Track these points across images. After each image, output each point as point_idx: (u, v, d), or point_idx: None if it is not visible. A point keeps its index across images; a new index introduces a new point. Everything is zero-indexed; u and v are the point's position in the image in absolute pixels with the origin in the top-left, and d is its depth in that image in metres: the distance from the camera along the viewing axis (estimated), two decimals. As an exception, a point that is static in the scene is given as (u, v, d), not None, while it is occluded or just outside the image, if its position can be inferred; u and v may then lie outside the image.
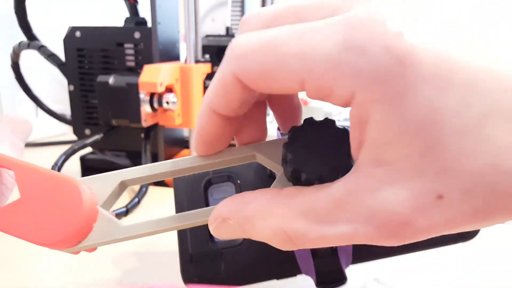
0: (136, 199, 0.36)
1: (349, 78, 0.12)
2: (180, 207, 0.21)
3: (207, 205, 0.21)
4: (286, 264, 0.20)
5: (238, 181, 0.22)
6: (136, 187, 0.40)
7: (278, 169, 0.17)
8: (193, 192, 0.22)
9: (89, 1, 0.68)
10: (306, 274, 0.20)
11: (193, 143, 0.44)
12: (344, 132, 0.15)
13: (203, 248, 0.20)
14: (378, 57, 0.12)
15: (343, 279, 0.19)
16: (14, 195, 0.22)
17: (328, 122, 0.16)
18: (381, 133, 0.12)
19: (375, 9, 0.12)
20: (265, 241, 0.15)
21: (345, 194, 0.13)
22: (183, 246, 0.21)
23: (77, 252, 0.17)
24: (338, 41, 0.12)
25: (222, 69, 0.16)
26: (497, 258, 0.27)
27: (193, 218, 0.17)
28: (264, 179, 0.22)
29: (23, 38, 0.44)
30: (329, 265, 0.19)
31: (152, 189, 0.40)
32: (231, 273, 0.19)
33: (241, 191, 0.19)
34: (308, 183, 0.14)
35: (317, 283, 0.19)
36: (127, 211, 0.34)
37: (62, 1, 0.64)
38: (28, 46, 0.43)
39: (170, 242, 0.29)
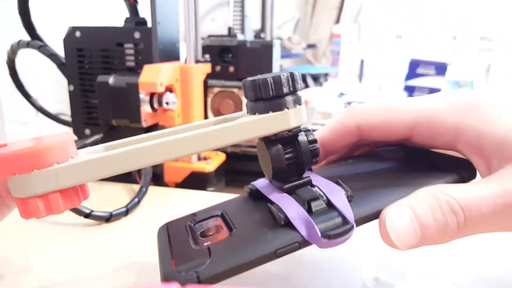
0: (136, 199, 0.36)
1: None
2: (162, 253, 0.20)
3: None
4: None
5: (221, 212, 0.22)
6: (136, 187, 0.40)
7: None
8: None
9: (89, 1, 0.68)
10: (310, 239, 0.18)
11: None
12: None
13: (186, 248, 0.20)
14: None
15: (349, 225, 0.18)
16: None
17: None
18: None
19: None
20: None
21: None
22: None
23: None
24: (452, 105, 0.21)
25: (343, 119, 0.23)
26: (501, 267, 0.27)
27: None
28: (250, 205, 0.22)
29: (23, 37, 0.44)
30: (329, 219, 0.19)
31: (152, 189, 0.40)
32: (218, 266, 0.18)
33: (229, 218, 0.21)
34: None
35: (322, 235, 0.18)
36: (127, 211, 0.34)
37: (62, 1, 0.64)
38: (28, 45, 0.43)
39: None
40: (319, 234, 0.18)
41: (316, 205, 0.19)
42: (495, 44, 1.60)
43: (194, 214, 0.23)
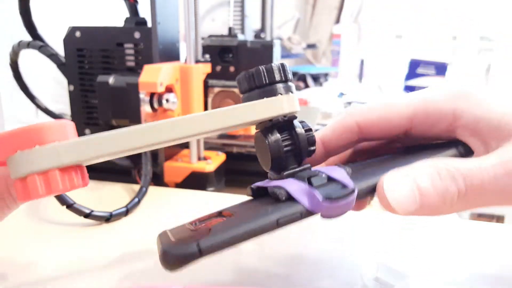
0: (136, 199, 0.36)
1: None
2: None
3: None
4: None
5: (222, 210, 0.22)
6: (136, 187, 0.40)
7: None
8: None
9: (89, 1, 0.68)
10: (312, 207, 0.18)
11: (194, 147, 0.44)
12: None
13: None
14: None
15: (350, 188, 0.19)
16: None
17: None
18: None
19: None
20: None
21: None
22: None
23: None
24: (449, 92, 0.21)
25: (343, 117, 0.23)
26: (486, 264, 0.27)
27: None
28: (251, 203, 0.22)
29: (23, 37, 0.44)
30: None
31: (152, 189, 0.40)
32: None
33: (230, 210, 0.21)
34: None
35: (323, 199, 0.18)
36: (127, 211, 0.34)
37: (62, 1, 0.64)
38: (28, 46, 0.43)
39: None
40: (320, 198, 0.18)
41: (316, 180, 0.19)
42: (495, 44, 1.60)
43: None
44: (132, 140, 0.18)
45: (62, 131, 0.18)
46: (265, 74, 0.20)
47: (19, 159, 0.17)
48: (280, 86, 0.21)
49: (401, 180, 0.18)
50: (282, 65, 0.21)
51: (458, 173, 0.18)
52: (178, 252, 0.17)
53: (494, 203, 0.19)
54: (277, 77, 0.21)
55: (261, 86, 0.20)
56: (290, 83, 0.21)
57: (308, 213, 0.18)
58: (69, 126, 0.18)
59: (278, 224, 0.18)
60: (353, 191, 0.18)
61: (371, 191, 0.19)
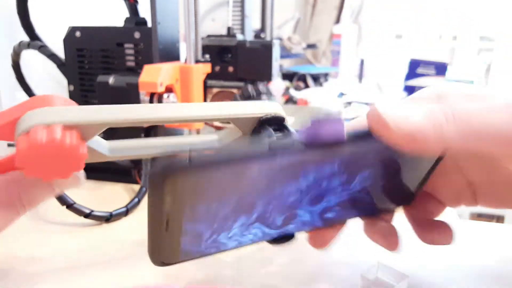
0: (136, 199, 0.36)
1: None
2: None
3: None
4: None
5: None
6: (136, 187, 0.40)
7: None
8: None
9: (89, 1, 0.68)
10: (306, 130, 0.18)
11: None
12: None
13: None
14: None
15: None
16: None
17: None
18: None
19: None
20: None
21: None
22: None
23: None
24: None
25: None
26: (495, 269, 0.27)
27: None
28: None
29: (23, 37, 0.44)
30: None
31: (152, 189, 0.40)
32: None
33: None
34: None
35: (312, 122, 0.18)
36: (127, 211, 0.34)
37: (62, 1, 0.64)
38: (28, 46, 0.43)
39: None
40: (310, 122, 0.18)
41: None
42: (495, 44, 1.60)
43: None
44: (128, 113, 0.21)
45: (67, 101, 0.21)
46: (253, 90, 0.23)
47: (27, 117, 0.19)
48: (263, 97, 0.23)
49: (395, 107, 0.18)
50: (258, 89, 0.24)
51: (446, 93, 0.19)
52: (168, 162, 0.16)
53: (492, 146, 0.18)
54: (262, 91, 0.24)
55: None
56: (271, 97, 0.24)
57: (299, 140, 0.18)
58: (73, 102, 0.21)
59: (270, 148, 0.17)
60: (339, 116, 0.18)
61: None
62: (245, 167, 0.18)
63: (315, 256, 0.27)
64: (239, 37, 0.51)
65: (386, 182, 0.23)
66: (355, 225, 0.31)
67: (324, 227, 0.24)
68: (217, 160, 0.17)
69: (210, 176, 0.17)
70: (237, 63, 0.48)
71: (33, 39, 0.44)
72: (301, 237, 0.30)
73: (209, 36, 0.50)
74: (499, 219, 1.09)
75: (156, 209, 0.17)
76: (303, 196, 0.21)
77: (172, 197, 0.17)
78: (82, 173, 0.23)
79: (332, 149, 0.19)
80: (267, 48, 0.47)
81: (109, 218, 0.33)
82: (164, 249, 0.20)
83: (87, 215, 0.32)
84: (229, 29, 0.55)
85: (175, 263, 0.21)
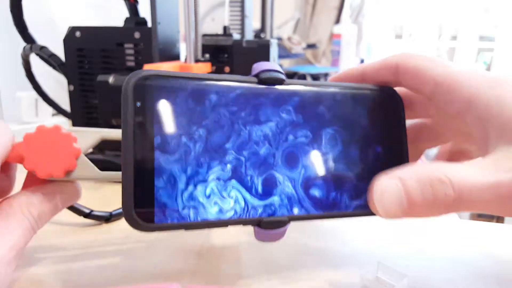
0: (136, 199, 0.36)
1: None
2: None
3: None
4: None
5: None
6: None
7: None
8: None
9: (89, 1, 0.68)
10: None
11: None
12: None
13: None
14: None
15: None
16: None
17: None
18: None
19: None
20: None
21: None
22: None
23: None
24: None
25: (388, 56, 0.24)
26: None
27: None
28: None
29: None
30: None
31: (152, 189, 0.40)
32: None
33: None
34: None
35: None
36: (127, 211, 0.34)
37: (62, 1, 0.64)
38: (31, 50, 0.43)
39: (174, 241, 0.29)
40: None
41: None
42: (495, 44, 1.60)
43: None
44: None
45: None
46: None
47: None
48: None
49: (392, 189, 0.18)
50: None
51: (450, 185, 0.18)
52: (137, 72, 0.19)
53: (483, 212, 0.19)
54: None
55: None
56: None
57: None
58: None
59: (259, 80, 0.21)
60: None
61: None
62: (207, 90, 0.20)
63: (314, 256, 0.27)
64: (236, 36, 0.49)
65: (361, 148, 0.23)
66: (355, 225, 0.31)
67: (317, 213, 0.22)
68: (182, 76, 0.19)
69: (176, 92, 0.19)
70: (233, 63, 0.47)
71: (26, 39, 0.44)
72: (300, 236, 0.30)
73: (204, 35, 0.49)
74: (499, 219, 1.09)
75: (127, 126, 0.19)
76: (274, 149, 0.21)
77: (142, 110, 0.19)
78: (80, 186, 0.24)
79: (285, 90, 0.21)
80: (264, 47, 0.46)
81: (109, 218, 0.33)
82: (137, 195, 0.19)
83: (87, 215, 0.32)
84: (225, 28, 0.53)
85: (152, 222, 0.19)
